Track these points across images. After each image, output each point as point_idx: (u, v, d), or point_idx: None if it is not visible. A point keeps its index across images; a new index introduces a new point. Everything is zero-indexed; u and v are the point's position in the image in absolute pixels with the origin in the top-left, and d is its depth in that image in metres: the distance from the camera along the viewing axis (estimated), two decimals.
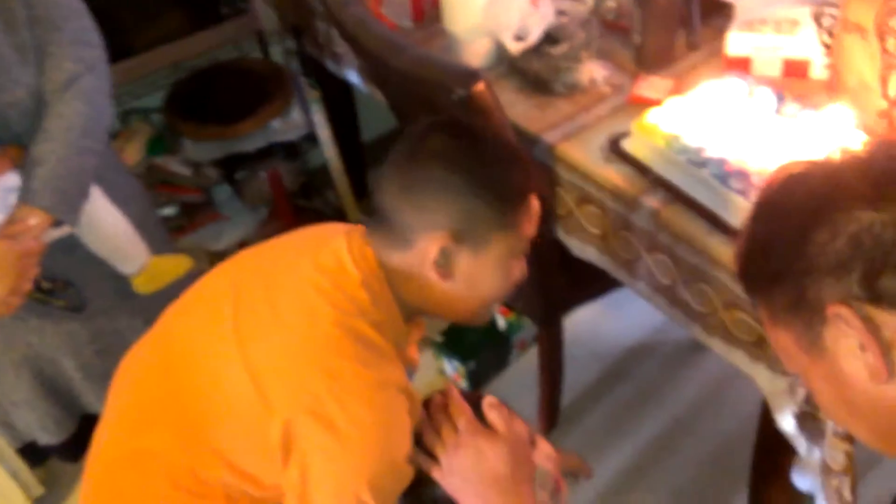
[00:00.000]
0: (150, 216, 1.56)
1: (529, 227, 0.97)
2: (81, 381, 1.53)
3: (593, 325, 2.08)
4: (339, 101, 2.13)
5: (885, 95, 1.25)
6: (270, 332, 0.93)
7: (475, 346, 1.94)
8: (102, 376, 1.27)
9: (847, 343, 0.64)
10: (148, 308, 1.34)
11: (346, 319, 0.91)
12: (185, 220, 2.05)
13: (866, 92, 1.27)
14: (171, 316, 1.06)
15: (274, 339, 0.92)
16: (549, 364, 1.72)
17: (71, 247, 1.33)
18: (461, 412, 0.96)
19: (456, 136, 0.95)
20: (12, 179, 1.22)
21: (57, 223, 1.24)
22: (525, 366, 2.02)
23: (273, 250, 1.05)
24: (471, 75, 1.17)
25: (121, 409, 1.03)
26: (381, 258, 0.95)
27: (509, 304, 2.01)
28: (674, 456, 1.83)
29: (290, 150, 2.13)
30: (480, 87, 1.17)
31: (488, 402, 0.98)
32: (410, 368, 1.04)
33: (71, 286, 1.35)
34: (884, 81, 1.24)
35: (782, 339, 0.70)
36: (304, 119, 2.07)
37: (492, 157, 0.94)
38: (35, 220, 1.20)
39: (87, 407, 1.60)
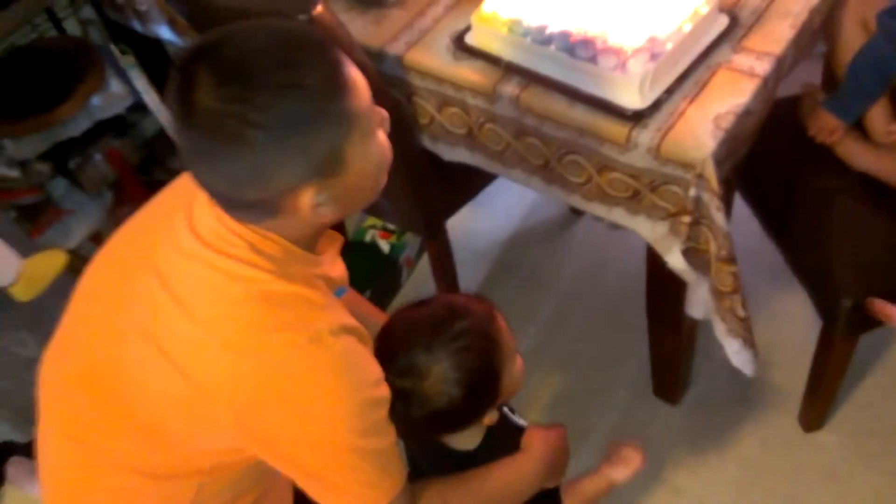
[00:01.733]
0: (3, 222, 1.44)
1: (365, 101, 0.84)
2: None
3: (469, 225, 2.13)
4: (157, 61, 2.01)
5: None
6: (184, 328, 0.87)
7: (366, 276, 1.95)
8: (2, 401, 1.19)
9: None
10: (30, 317, 1.25)
11: (252, 288, 0.86)
12: (28, 224, 1.89)
13: None
14: (72, 324, 0.98)
15: (191, 336, 0.86)
16: (442, 273, 1.76)
17: None
18: None
19: (220, 88, 0.76)
20: None
21: None
22: (418, 281, 2.06)
23: (142, 234, 0.97)
24: None
25: (60, 426, 0.97)
26: (252, 227, 0.87)
27: (389, 227, 2.03)
28: (572, 326, 1.94)
29: (120, 125, 2.00)
30: (319, 8, 1.14)
31: None
32: (341, 285, 1.00)
33: None
34: None
35: None
36: (126, 88, 1.94)
37: (278, 82, 0.77)
38: None
39: None
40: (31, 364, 1.31)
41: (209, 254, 0.87)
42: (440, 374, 0.97)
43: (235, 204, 0.84)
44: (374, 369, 0.92)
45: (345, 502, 0.93)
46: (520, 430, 1.10)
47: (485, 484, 1.06)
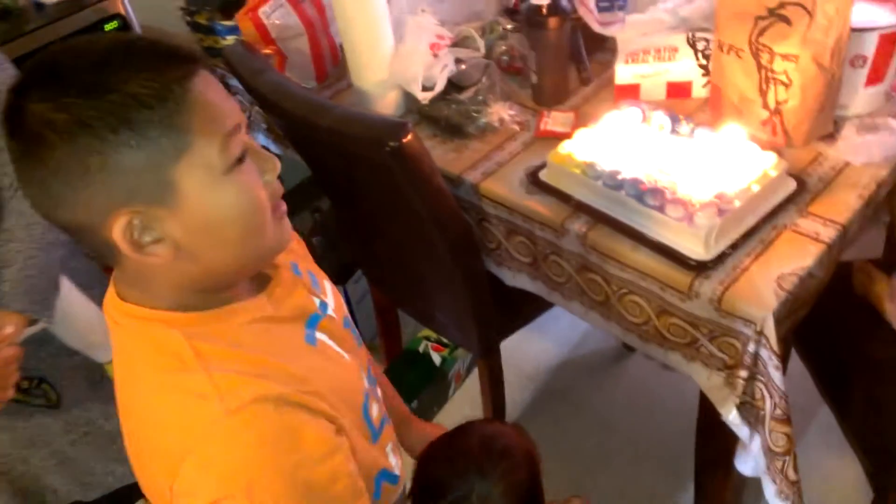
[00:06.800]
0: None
1: (214, 126, 0.71)
2: (53, 472, 1.45)
3: (521, 347, 2.15)
4: None
5: (765, 106, 1.40)
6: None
7: (415, 386, 1.98)
8: (75, 466, 1.24)
9: None
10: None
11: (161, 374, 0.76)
12: None
13: (748, 105, 1.42)
14: None
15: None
16: (492, 392, 1.78)
17: (41, 340, 1.29)
18: None
19: (42, 91, 0.67)
20: None
21: (32, 321, 1.20)
22: (464, 396, 2.07)
23: None
24: (399, 127, 1.22)
25: None
26: (133, 297, 0.77)
27: (443, 341, 2.06)
28: (616, 461, 1.92)
29: None
30: (410, 137, 1.23)
31: None
32: (311, 312, 0.89)
33: (44, 382, 1.32)
34: (763, 93, 1.39)
35: None
36: None
37: (88, 82, 0.67)
38: (11, 326, 1.16)
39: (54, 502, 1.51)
40: (115, 437, 1.36)
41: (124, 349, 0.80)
42: (497, 496, 1.01)
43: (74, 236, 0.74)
44: (313, 453, 0.77)
45: None
46: None
47: None
